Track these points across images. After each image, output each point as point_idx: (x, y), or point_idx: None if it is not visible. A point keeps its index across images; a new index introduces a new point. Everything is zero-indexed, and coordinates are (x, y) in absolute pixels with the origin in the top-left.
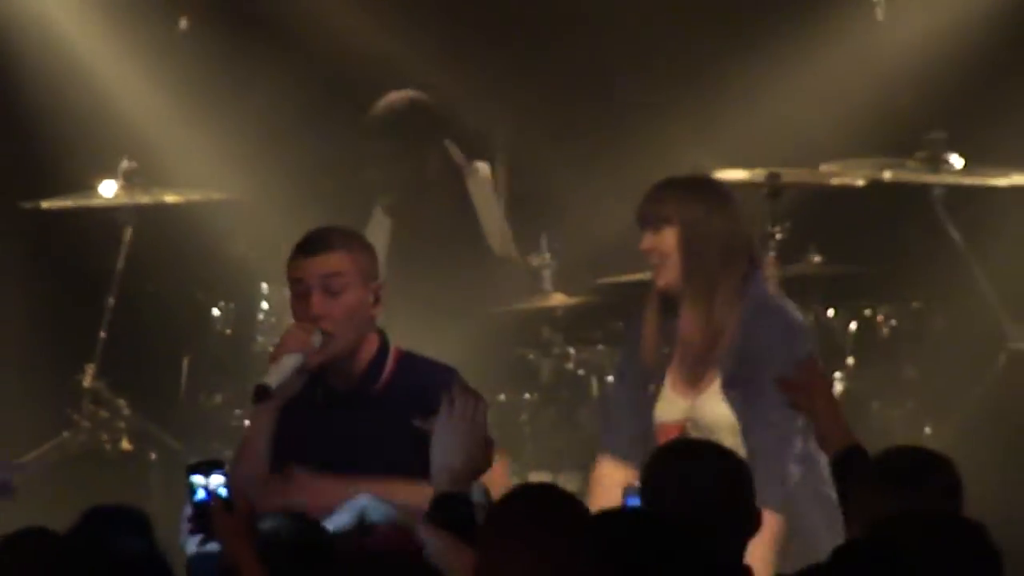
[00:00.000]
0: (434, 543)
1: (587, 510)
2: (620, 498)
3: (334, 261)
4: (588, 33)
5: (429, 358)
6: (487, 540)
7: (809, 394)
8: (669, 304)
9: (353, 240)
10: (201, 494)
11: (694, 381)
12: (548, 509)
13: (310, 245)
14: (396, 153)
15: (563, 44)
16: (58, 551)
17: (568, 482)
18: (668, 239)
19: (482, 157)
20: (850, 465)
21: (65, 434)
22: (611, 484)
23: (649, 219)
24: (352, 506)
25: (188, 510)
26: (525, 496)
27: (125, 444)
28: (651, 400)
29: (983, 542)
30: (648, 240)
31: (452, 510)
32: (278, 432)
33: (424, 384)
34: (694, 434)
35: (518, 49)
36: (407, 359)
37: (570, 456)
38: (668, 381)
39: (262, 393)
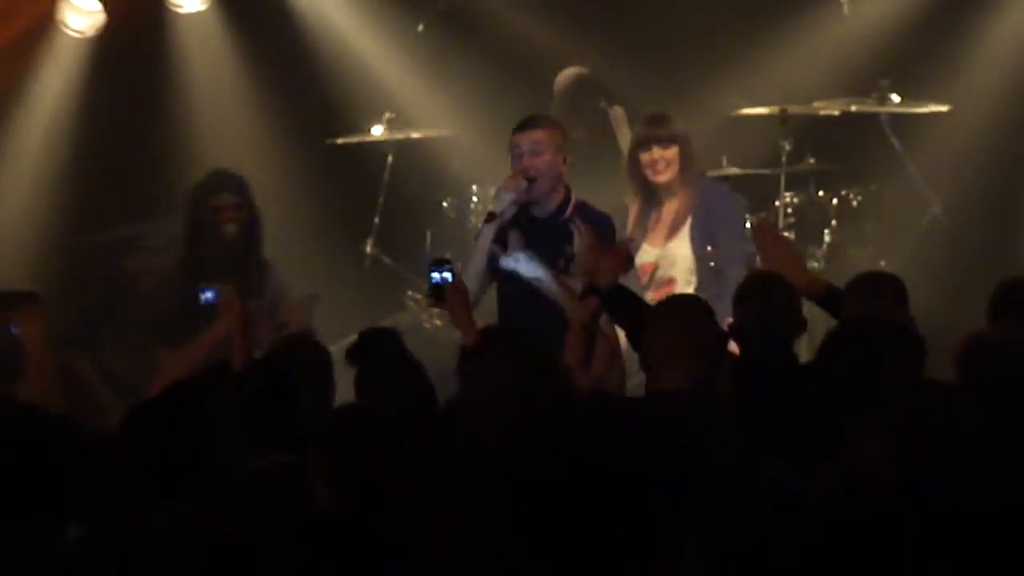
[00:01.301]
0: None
1: (711, 308)
2: None
3: (537, 133)
4: (661, 22)
5: (594, 206)
6: (654, 319)
7: (768, 243)
8: (647, 197)
9: (550, 121)
10: (437, 279)
11: (667, 236)
12: (691, 304)
13: (523, 123)
14: (577, 104)
15: (649, 28)
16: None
17: None
18: (673, 151)
19: (617, 103)
20: (833, 297)
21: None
22: None
23: (662, 138)
24: (528, 265)
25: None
26: (679, 297)
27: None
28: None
29: (911, 332)
30: (659, 152)
31: (625, 296)
32: (496, 239)
33: (591, 218)
34: (663, 268)
35: (621, 34)
36: (582, 203)
37: None
38: (647, 239)
39: (490, 216)
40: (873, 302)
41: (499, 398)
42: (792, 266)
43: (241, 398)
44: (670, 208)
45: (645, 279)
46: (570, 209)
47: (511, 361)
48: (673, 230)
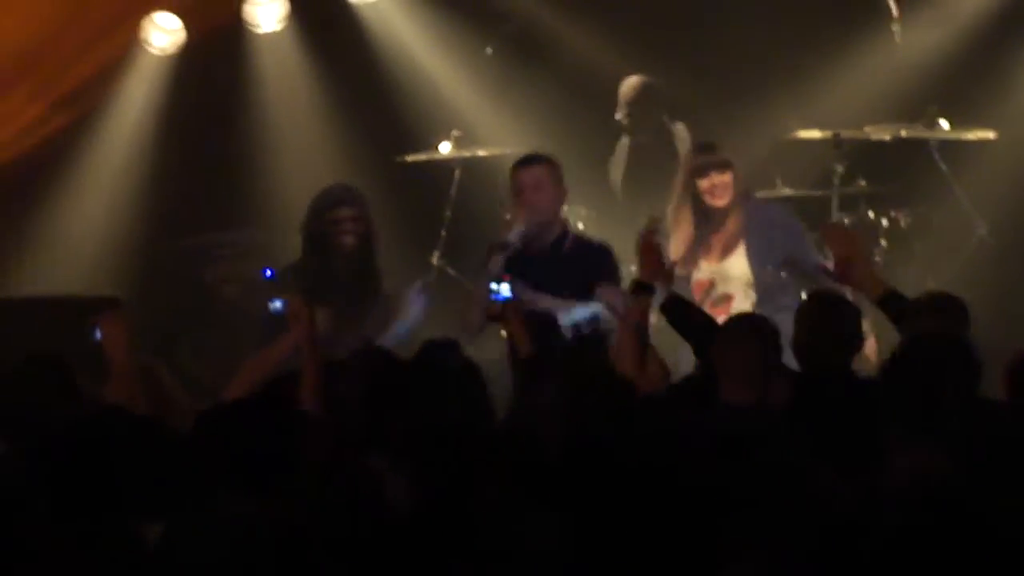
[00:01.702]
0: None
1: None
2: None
3: (539, 170)
4: (721, 50)
5: (591, 237)
6: (725, 336)
7: (844, 242)
8: (703, 221)
9: (549, 160)
10: (495, 295)
11: (721, 255)
12: (759, 321)
13: (526, 159)
14: (641, 112)
15: (709, 54)
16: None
17: None
18: (729, 176)
19: (680, 120)
20: (893, 303)
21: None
22: None
23: (722, 165)
24: (581, 309)
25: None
26: (746, 316)
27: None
28: (688, 268)
29: (973, 351)
30: (719, 177)
31: (681, 304)
32: (511, 269)
33: (589, 251)
34: (719, 285)
35: (683, 60)
36: (579, 236)
37: None
38: (701, 256)
39: (504, 246)
40: (937, 321)
41: (556, 408)
42: (861, 261)
43: (313, 403)
44: (725, 229)
45: (700, 296)
46: (568, 243)
47: (567, 371)
48: (728, 249)
